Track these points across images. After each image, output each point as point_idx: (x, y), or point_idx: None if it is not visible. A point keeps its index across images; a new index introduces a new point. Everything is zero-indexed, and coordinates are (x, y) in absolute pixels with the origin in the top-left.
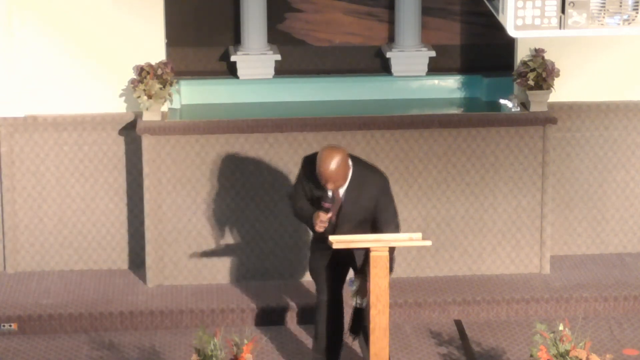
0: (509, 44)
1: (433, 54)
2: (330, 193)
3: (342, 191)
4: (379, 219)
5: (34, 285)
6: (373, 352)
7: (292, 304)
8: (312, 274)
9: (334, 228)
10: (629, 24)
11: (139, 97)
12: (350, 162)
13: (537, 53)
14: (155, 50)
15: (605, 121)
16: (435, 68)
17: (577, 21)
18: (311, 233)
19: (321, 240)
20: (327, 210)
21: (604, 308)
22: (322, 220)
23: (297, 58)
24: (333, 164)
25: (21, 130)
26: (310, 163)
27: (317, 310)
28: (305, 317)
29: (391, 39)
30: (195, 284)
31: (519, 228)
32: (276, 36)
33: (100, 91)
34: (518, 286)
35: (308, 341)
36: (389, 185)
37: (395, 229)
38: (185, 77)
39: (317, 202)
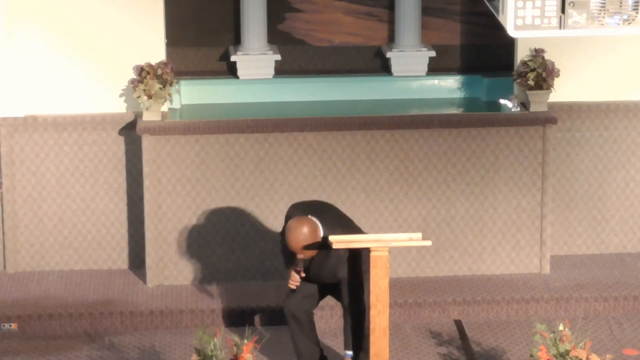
0: (509, 44)
1: (433, 54)
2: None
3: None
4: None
5: (34, 285)
6: (373, 352)
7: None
8: None
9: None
10: (629, 24)
11: (139, 97)
12: (320, 231)
13: (537, 53)
14: (155, 50)
15: (605, 121)
16: (435, 68)
17: (577, 21)
18: None
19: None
20: (298, 273)
21: (604, 308)
22: (293, 281)
23: (297, 58)
24: (300, 238)
25: (21, 130)
26: (290, 214)
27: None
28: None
29: (391, 39)
30: (195, 284)
31: (519, 228)
32: (276, 36)
33: (100, 91)
34: (518, 286)
35: None
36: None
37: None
38: (185, 77)
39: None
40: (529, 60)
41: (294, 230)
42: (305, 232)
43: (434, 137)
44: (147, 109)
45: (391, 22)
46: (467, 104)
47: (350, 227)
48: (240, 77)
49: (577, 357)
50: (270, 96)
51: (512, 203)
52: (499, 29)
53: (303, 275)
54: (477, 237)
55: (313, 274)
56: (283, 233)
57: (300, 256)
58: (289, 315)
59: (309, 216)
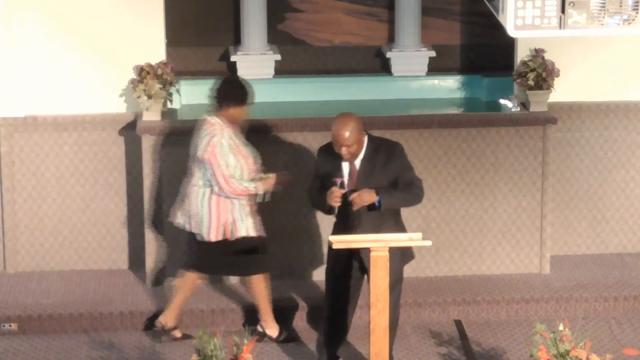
0: (509, 44)
1: (433, 54)
2: (346, 165)
3: (357, 163)
4: (401, 182)
5: (34, 285)
6: (373, 352)
7: (292, 304)
8: (325, 273)
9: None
10: (629, 24)
11: (139, 97)
12: (364, 133)
13: (537, 53)
14: (155, 50)
15: (605, 121)
16: (435, 68)
17: (577, 21)
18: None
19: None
20: (340, 185)
21: (604, 308)
22: (335, 193)
23: (297, 58)
24: (347, 127)
25: (21, 130)
26: (324, 148)
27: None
28: (306, 316)
29: (391, 39)
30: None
31: (519, 228)
32: (276, 36)
33: (100, 91)
34: (518, 286)
35: (308, 341)
36: (403, 150)
37: (416, 188)
38: (185, 77)
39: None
40: (529, 60)
41: (340, 122)
42: (352, 123)
43: (434, 137)
44: (147, 109)
45: (391, 22)
46: (467, 104)
47: (385, 138)
48: None
49: (577, 357)
50: (270, 96)
51: (512, 203)
52: (499, 29)
53: (344, 190)
54: (477, 237)
55: (362, 185)
56: (313, 176)
57: (344, 151)
58: (324, 319)
59: None
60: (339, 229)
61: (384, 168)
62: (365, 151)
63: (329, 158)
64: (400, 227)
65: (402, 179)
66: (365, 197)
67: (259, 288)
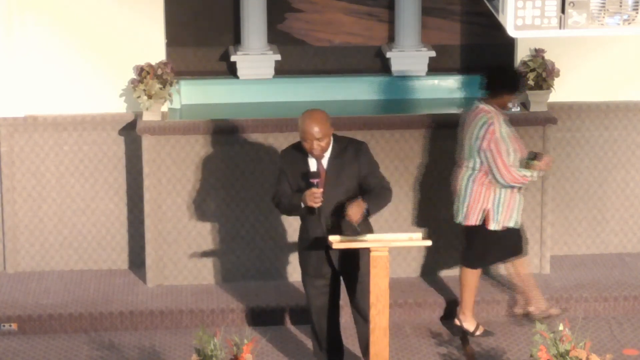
0: (509, 44)
1: (433, 54)
2: (313, 165)
3: (325, 162)
4: (368, 183)
5: (34, 285)
6: (373, 352)
7: (292, 304)
8: (302, 281)
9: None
10: (629, 24)
11: (139, 97)
12: (332, 128)
13: (537, 53)
14: (155, 50)
15: (605, 121)
16: (435, 68)
17: (577, 21)
18: (298, 233)
19: (310, 239)
20: (317, 185)
21: (604, 308)
22: (316, 194)
23: (297, 58)
24: (317, 121)
25: (21, 130)
26: (287, 151)
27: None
28: (305, 317)
29: (391, 39)
30: (195, 284)
31: None
32: (276, 36)
33: (100, 91)
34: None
35: (308, 341)
36: (369, 148)
37: (388, 191)
38: (185, 77)
39: (304, 187)
40: (529, 60)
41: (309, 116)
42: (320, 116)
43: (434, 137)
44: (147, 109)
45: (391, 22)
46: (467, 104)
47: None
48: (240, 77)
49: (577, 357)
50: (270, 96)
51: None
52: (499, 29)
53: (322, 189)
54: None
55: (330, 184)
56: (277, 180)
57: (315, 146)
58: (314, 329)
59: None
60: (309, 232)
61: (351, 166)
62: (332, 150)
63: (295, 159)
64: (369, 225)
65: (371, 178)
66: (357, 210)
67: (472, 280)
